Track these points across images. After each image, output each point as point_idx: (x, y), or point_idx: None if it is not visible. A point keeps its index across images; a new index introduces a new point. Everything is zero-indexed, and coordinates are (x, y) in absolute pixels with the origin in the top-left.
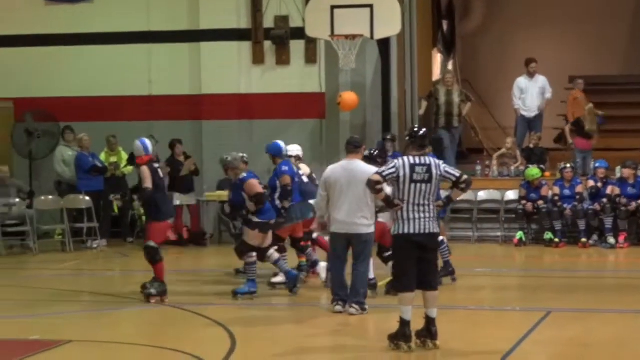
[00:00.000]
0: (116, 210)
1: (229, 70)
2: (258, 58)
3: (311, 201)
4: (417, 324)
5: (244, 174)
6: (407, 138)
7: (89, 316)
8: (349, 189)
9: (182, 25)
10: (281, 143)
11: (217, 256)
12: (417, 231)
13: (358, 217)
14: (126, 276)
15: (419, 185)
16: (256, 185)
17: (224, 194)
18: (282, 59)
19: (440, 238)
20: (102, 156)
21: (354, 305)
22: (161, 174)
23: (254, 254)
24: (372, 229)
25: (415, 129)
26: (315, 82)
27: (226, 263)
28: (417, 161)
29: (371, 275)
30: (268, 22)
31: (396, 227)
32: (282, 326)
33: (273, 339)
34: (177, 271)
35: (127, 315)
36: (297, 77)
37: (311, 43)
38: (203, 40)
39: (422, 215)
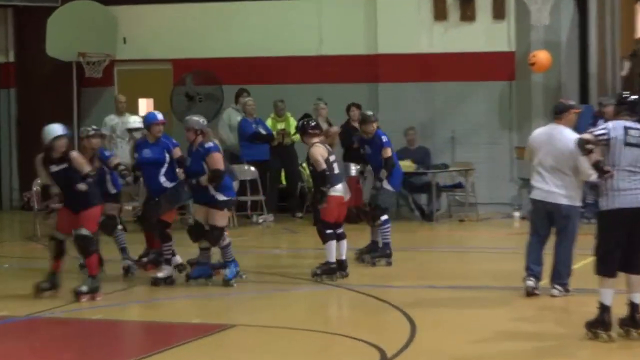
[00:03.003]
0: (284, 182)
1: (408, 28)
2: (440, 13)
3: None
4: (620, 311)
5: (211, 143)
6: (615, 104)
7: (254, 298)
8: (547, 156)
9: None
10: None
11: (398, 232)
12: (631, 205)
13: (556, 186)
14: (295, 254)
15: (633, 149)
16: (220, 161)
17: (406, 164)
18: (467, 14)
19: (384, 217)
20: (269, 122)
21: (556, 287)
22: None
23: (227, 234)
24: (574, 203)
25: (625, 95)
26: (504, 40)
27: (406, 238)
28: (630, 124)
29: (332, 259)
30: None
31: (606, 201)
32: (467, 311)
33: (457, 324)
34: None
35: (297, 297)
36: (483, 34)
37: None
38: None
39: (637, 184)
